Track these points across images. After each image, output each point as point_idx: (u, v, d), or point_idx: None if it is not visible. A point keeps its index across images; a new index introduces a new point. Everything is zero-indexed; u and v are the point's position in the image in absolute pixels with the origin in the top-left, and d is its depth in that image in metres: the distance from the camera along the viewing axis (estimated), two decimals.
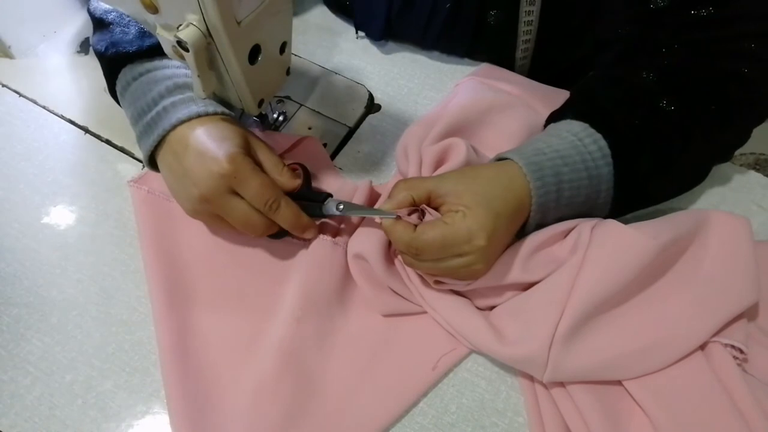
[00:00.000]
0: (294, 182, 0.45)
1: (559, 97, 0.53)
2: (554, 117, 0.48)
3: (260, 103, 0.46)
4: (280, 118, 0.56)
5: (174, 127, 0.43)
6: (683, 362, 0.41)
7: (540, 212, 0.43)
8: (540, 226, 0.44)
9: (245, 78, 0.41)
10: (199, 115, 0.43)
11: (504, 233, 0.42)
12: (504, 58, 0.61)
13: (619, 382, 0.42)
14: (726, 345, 0.41)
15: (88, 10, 0.50)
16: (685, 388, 0.40)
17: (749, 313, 0.43)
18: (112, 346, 0.45)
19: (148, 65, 0.46)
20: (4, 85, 0.60)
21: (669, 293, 0.43)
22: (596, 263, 0.41)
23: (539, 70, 0.62)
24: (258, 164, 0.44)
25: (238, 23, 0.37)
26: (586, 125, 0.44)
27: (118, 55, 0.46)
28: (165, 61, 0.46)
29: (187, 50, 0.36)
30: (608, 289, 0.40)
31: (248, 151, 0.43)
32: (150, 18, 0.37)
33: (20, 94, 0.59)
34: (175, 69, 0.46)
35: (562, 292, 0.41)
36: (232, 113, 0.45)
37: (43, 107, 0.58)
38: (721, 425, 0.38)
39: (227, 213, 0.43)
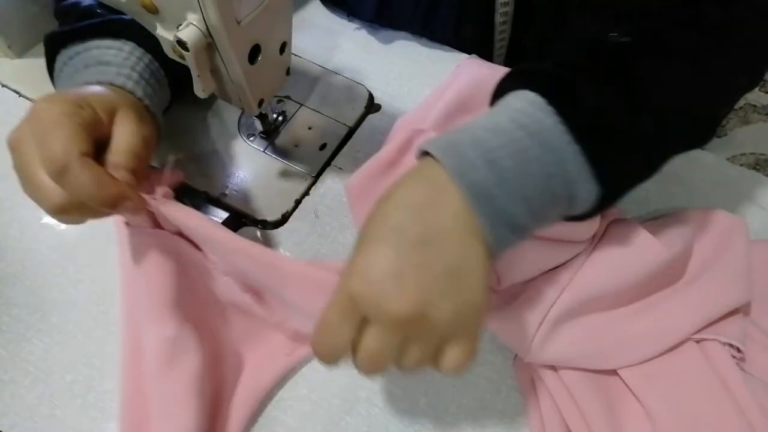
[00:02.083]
0: (119, 171, 0.34)
1: None
2: (494, 93, 0.38)
3: (260, 103, 0.46)
4: (280, 118, 0.56)
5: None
6: (683, 359, 0.41)
7: (479, 197, 0.30)
8: (501, 224, 0.31)
9: (245, 78, 0.41)
10: (99, 83, 0.39)
11: (435, 276, 0.29)
12: (486, 38, 0.61)
13: (619, 380, 0.42)
14: (724, 343, 0.41)
15: (51, 10, 0.49)
16: (686, 385, 0.40)
17: (747, 312, 0.43)
18: (112, 346, 0.44)
19: (79, 47, 0.43)
20: (4, 85, 0.60)
21: (662, 288, 0.43)
22: (606, 256, 0.41)
23: (522, 56, 0.62)
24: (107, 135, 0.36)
25: (238, 23, 0.37)
26: (509, 93, 0.34)
27: (51, 37, 0.44)
28: (96, 42, 0.43)
29: (187, 50, 0.36)
30: (613, 285, 0.41)
31: (100, 115, 0.35)
32: (150, 18, 0.37)
33: (20, 94, 0.59)
34: (105, 50, 0.43)
35: (565, 277, 0.41)
36: (140, 94, 0.41)
37: None
38: (719, 419, 0.38)
39: (21, 167, 0.34)
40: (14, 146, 0.34)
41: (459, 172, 0.30)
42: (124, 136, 0.36)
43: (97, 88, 0.37)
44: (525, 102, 0.33)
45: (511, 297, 0.43)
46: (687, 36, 0.36)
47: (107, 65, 0.41)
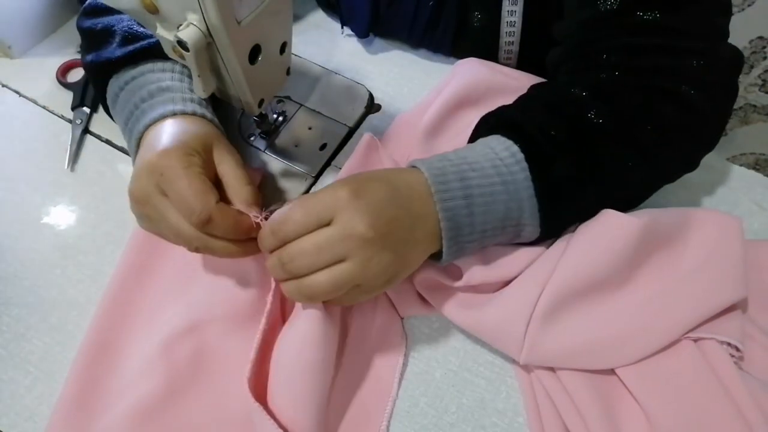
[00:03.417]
0: (251, 207, 0.39)
1: None
2: (476, 128, 0.46)
3: (260, 103, 0.46)
4: (280, 118, 0.56)
5: (147, 127, 0.41)
6: (681, 358, 0.41)
7: (450, 222, 0.38)
8: (457, 245, 0.40)
9: (245, 78, 0.41)
10: (174, 114, 0.41)
11: (396, 237, 0.37)
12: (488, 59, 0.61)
13: (617, 381, 0.42)
14: (722, 343, 0.41)
15: (77, 25, 0.49)
16: (684, 385, 0.40)
17: (744, 310, 0.43)
18: None
19: (133, 72, 0.45)
20: (4, 85, 0.60)
21: (652, 282, 0.43)
22: (580, 242, 0.42)
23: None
24: (217, 176, 0.40)
25: (239, 23, 0.37)
26: (499, 135, 0.42)
27: (102, 65, 0.45)
28: (150, 65, 0.45)
29: (187, 50, 0.36)
30: (591, 269, 0.41)
31: (203, 155, 0.39)
32: (150, 18, 0.37)
33: (20, 94, 0.59)
34: (161, 73, 0.45)
35: (545, 272, 0.42)
36: (209, 115, 0.44)
37: (43, 107, 0.58)
38: (718, 419, 0.38)
39: (157, 218, 0.38)
40: (142, 200, 0.38)
41: (441, 197, 0.38)
42: (233, 171, 0.40)
43: (186, 129, 0.40)
44: (507, 153, 0.40)
45: (488, 300, 0.43)
46: (651, 132, 0.43)
47: (169, 91, 0.43)
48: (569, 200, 0.42)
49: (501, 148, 0.41)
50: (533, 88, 0.48)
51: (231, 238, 0.38)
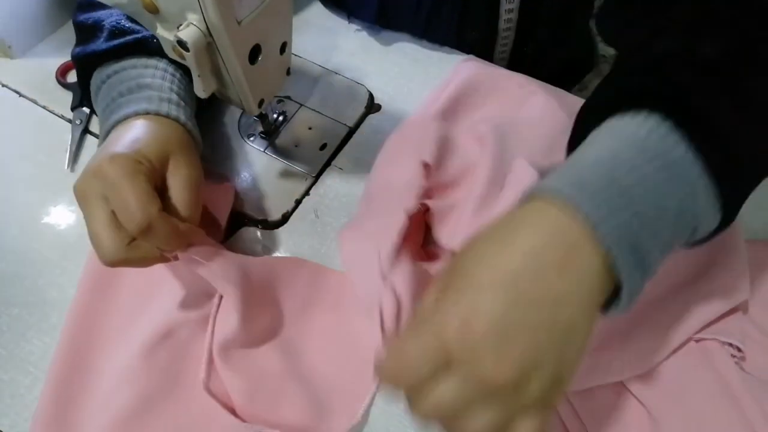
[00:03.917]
0: (191, 217, 0.38)
1: (557, 92, 0.53)
2: (580, 122, 0.35)
3: (260, 103, 0.46)
4: (280, 118, 0.56)
5: (116, 123, 0.41)
6: (683, 359, 0.41)
7: (626, 246, 0.27)
8: (640, 270, 0.28)
9: (245, 78, 0.41)
10: (147, 113, 0.41)
11: (541, 343, 0.26)
12: (488, 44, 0.61)
13: (619, 381, 0.42)
14: (724, 343, 0.41)
15: (72, 20, 0.50)
16: (686, 385, 0.40)
17: (745, 310, 0.43)
18: None
19: (115, 66, 0.45)
20: (4, 85, 0.60)
21: (654, 289, 0.43)
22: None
23: (522, 63, 0.62)
24: (165, 185, 0.39)
25: (239, 23, 0.37)
26: (617, 117, 0.31)
27: (87, 57, 0.45)
28: (133, 61, 0.45)
29: (187, 50, 0.36)
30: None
31: (155, 163, 0.38)
32: (150, 18, 0.37)
33: (20, 94, 0.59)
34: (143, 69, 0.44)
35: None
36: (183, 118, 0.43)
37: (43, 107, 0.58)
38: (719, 419, 0.38)
39: (87, 219, 0.37)
40: (81, 197, 0.37)
41: (599, 219, 0.26)
42: (181, 184, 0.39)
43: (148, 132, 0.40)
44: (646, 129, 0.29)
45: None
46: None
47: (148, 89, 0.43)
48: (744, 163, 0.30)
49: (633, 126, 0.29)
50: (618, 59, 0.38)
51: (164, 248, 0.38)
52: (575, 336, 0.27)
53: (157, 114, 0.41)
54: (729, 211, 0.30)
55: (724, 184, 0.29)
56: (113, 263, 0.37)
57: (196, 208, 0.40)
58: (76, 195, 0.37)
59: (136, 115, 0.41)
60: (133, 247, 0.37)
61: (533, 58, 0.62)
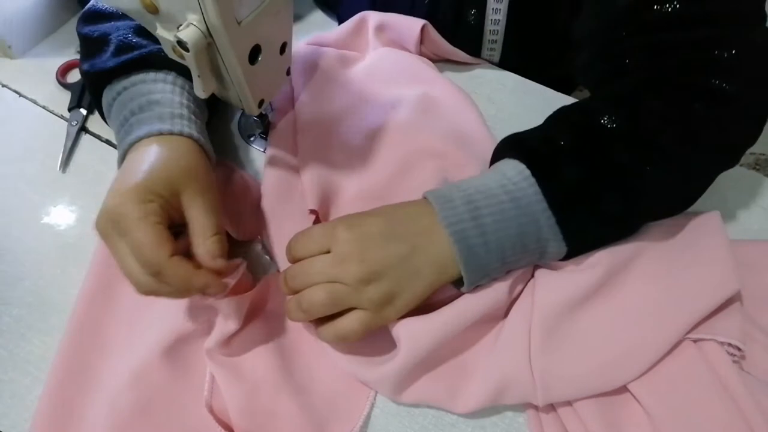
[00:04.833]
0: (215, 261, 0.38)
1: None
2: (493, 156, 0.45)
3: (260, 104, 0.46)
4: None
5: (131, 145, 0.41)
6: (681, 359, 0.41)
7: (461, 244, 0.38)
8: (476, 270, 0.39)
9: (245, 78, 0.41)
10: (161, 133, 0.41)
11: (392, 268, 0.38)
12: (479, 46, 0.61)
13: None
14: (722, 343, 0.41)
15: (76, 30, 0.49)
16: (685, 386, 0.40)
17: (742, 303, 0.43)
18: None
19: (125, 83, 0.45)
20: (4, 85, 0.60)
21: (642, 291, 0.43)
22: (550, 265, 0.43)
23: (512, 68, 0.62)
24: (182, 219, 0.39)
25: (239, 23, 0.37)
26: (507, 159, 0.42)
27: (96, 75, 0.45)
28: (142, 76, 0.45)
29: (187, 50, 0.36)
30: (572, 285, 0.41)
31: (167, 197, 0.38)
32: (150, 18, 0.37)
33: (20, 94, 0.59)
34: (152, 84, 0.44)
35: (526, 305, 0.41)
36: (195, 134, 0.43)
37: (43, 107, 0.58)
38: (718, 420, 0.38)
39: (113, 255, 0.38)
40: (102, 235, 0.38)
41: (447, 223, 0.39)
42: (199, 220, 0.39)
43: (160, 160, 0.39)
44: (515, 171, 0.40)
45: (475, 354, 0.42)
46: (676, 132, 0.40)
47: (159, 105, 0.43)
48: (586, 206, 0.40)
49: (509, 168, 0.41)
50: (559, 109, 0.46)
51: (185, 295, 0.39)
52: (417, 280, 0.39)
53: (170, 133, 0.41)
54: (572, 241, 0.40)
55: (562, 219, 0.39)
56: (146, 294, 0.38)
57: (221, 242, 0.39)
58: (97, 232, 0.38)
59: (149, 135, 0.41)
60: (162, 281, 0.37)
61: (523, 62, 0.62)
